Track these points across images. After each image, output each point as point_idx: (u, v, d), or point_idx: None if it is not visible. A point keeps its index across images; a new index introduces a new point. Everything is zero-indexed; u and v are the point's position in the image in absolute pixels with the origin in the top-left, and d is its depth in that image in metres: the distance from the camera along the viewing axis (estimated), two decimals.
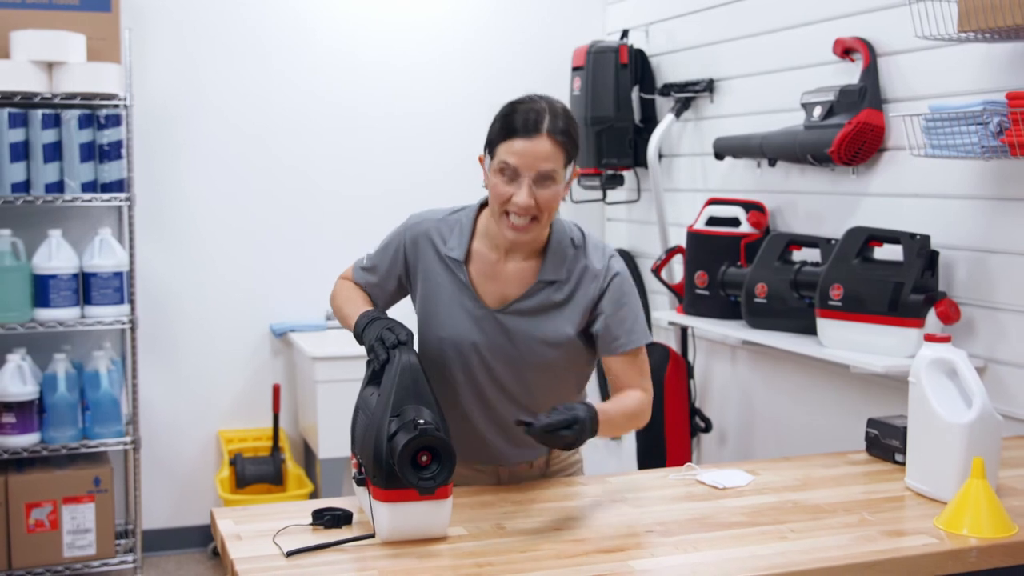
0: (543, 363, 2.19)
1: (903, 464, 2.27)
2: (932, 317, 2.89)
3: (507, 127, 2.08)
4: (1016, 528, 1.93)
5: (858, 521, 2.00)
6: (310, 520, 1.95)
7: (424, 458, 1.81)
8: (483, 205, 2.25)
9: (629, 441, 4.50)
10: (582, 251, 2.20)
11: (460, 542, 1.88)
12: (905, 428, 2.26)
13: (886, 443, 2.41)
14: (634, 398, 2.18)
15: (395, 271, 2.28)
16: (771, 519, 2.01)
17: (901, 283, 2.91)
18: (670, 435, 3.93)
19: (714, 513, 2.06)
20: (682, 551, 1.84)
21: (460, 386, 2.21)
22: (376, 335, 2.00)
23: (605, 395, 2.52)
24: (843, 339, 3.05)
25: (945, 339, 2.17)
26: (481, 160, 2.17)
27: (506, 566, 1.76)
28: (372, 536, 1.88)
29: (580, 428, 1.93)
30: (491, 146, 2.13)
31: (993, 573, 1.90)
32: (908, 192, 3.09)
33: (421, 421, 1.82)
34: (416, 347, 2.02)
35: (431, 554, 1.82)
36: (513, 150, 2.06)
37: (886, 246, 3.02)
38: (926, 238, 2.91)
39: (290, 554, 1.80)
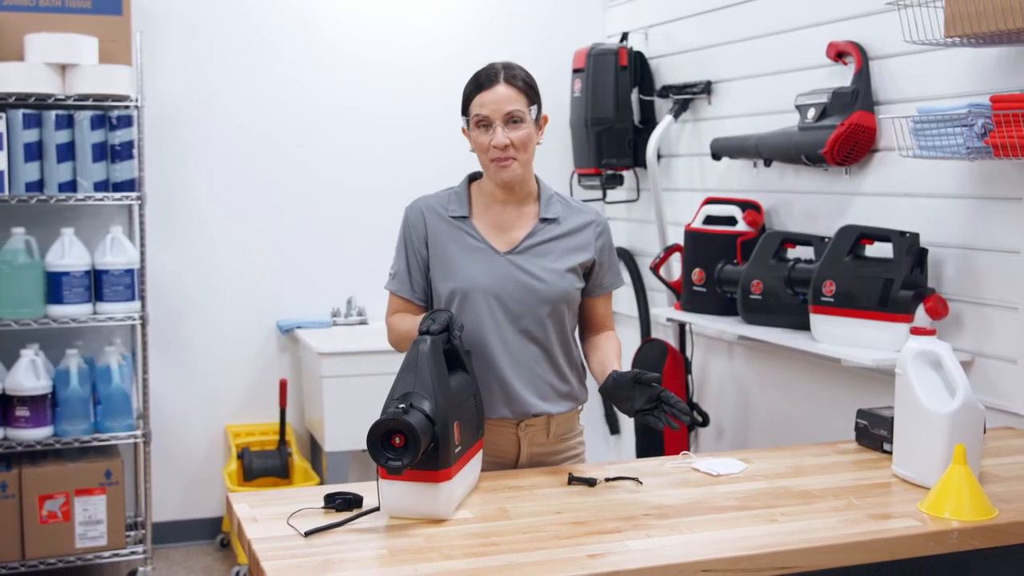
0: (556, 295, 2.41)
1: (891, 453, 2.34)
2: (921, 312, 2.96)
3: (471, 87, 2.39)
4: (996, 512, 2.00)
5: (846, 506, 2.08)
6: (322, 504, 2.04)
7: (398, 440, 1.91)
8: (471, 178, 2.50)
9: (628, 435, 4.58)
10: (568, 201, 2.51)
11: (466, 524, 1.98)
12: (892, 418, 2.33)
13: (874, 433, 2.48)
14: (616, 341, 2.52)
15: (418, 253, 2.45)
16: (763, 503, 2.09)
17: (891, 279, 2.97)
18: (668, 429, 3.99)
19: (708, 498, 2.14)
20: (677, 532, 1.93)
21: (487, 335, 2.38)
22: (424, 328, 2.13)
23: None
24: (835, 334, 3.12)
25: (930, 332, 2.25)
26: (464, 131, 2.42)
27: (509, 545, 1.85)
28: (378, 509, 2.00)
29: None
30: (465, 111, 2.40)
31: (973, 554, 1.98)
32: (898, 192, 3.17)
33: (402, 406, 1.92)
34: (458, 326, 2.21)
35: (439, 535, 1.91)
36: (480, 103, 2.35)
37: (877, 244, 3.09)
38: (915, 236, 2.98)
39: (308, 533, 1.89)
